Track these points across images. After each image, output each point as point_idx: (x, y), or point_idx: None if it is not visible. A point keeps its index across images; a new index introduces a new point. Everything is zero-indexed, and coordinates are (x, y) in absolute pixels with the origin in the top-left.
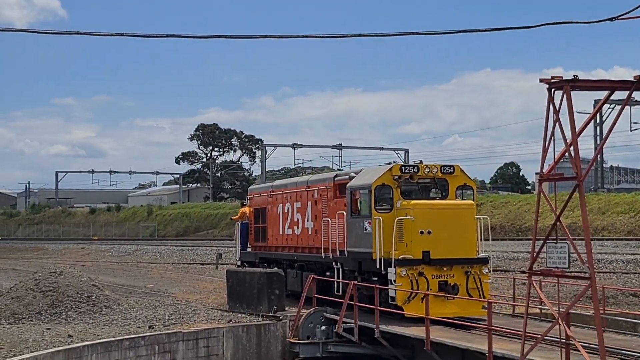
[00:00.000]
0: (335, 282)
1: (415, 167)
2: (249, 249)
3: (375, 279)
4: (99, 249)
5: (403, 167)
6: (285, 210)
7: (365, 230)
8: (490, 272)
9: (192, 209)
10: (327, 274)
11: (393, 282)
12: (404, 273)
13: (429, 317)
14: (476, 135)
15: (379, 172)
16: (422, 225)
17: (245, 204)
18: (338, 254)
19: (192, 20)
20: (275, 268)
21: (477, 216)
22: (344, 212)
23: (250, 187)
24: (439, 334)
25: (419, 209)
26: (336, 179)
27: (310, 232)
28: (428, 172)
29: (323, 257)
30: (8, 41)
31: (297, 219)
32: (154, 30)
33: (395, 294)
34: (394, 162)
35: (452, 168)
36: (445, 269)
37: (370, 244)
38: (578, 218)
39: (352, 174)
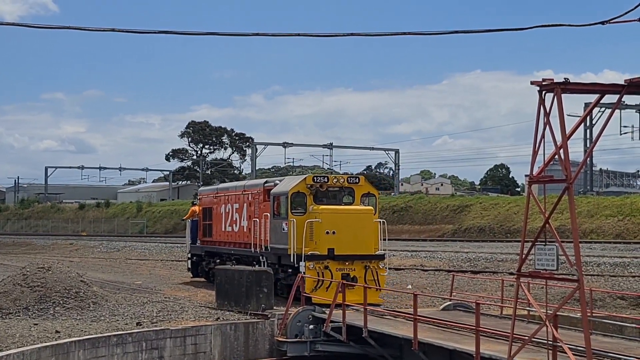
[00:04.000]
0: None
1: (325, 178)
2: (198, 243)
3: (290, 271)
4: (88, 245)
5: (315, 177)
6: (227, 210)
7: (283, 229)
8: (386, 266)
9: (181, 206)
10: (256, 266)
11: (303, 273)
12: (312, 266)
13: (332, 301)
14: (466, 136)
15: (295, 181)
16: (328, 226)
17: (196, 204)
18: (264, 249)
19: (184, 17)
20: (218, 261)
21: (377, 219)
22: (269, 214)
23: (200, 189)
24: (427, 334)
25: (326, 212)
26: (265, 185)
27: (245, 230)
28: (336, 182)
29: (252, 251)
30: None
31: (235, 218)
32: (145, 26)
33: (304, 283)
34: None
35: (357, 179)
36: (347, 263)
37: (286, 242)
38: (567, 220)
39: (277, 182)
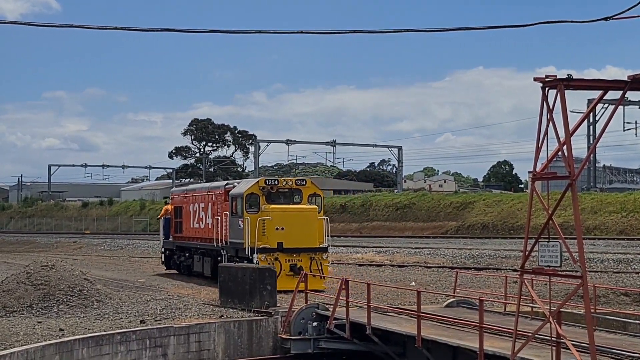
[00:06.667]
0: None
1: (276, 181)
2: (170, 239)
3: (245, 262)
4: (91, 243)
5: (266, 180)
6: (194, 209)
7: (240, 226)
8: (328, 258)
9: None
10: (219, 259)
11: (256, 264)
12: (264, 258)
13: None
14: (469, 133)
15: (250, 183)
16: (277, 223)
17: (169, 203)
18: (224, 244)
19: (186, 15)
20: (187, 255)
21: (321, 217)
22: (228, 213)
23: (172, 189)
24: (431, 331)
25: (275, 211)
26: (226, 186)
27: (210, 227)
28: (285, 184)
29: (215, 246)
30: (0, 33)
31: (202, 216)
32: (147, 24)
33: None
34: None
35: (304, 181)
36: (294, 255)
37: (242, 237)
38: (570, 217)
39: (235, 184)
